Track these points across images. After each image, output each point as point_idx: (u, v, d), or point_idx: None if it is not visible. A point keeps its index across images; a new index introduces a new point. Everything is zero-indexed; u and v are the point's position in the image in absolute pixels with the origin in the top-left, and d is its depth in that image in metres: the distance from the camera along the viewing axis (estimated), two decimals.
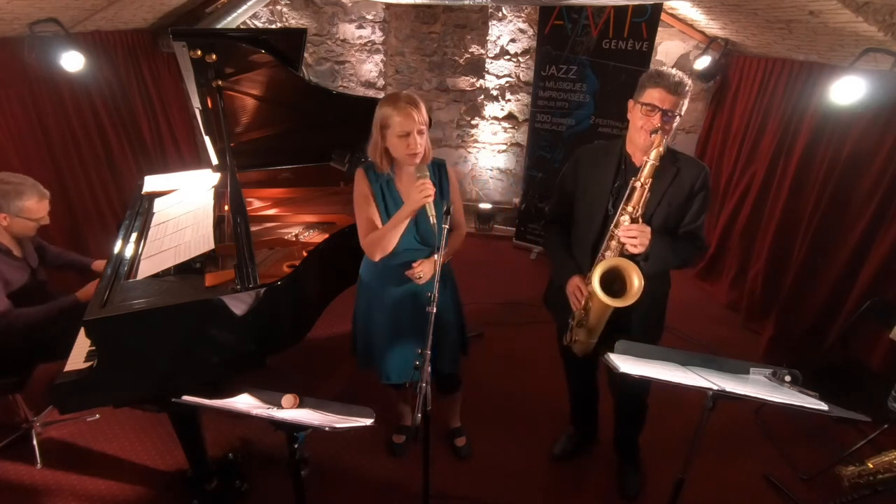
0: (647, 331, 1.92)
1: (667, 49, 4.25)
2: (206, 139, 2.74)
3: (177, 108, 4.10)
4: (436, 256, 1.59)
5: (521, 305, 3.67)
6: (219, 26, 3.80)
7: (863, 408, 1.39)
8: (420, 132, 1.73)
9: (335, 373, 2.96)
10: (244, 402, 1.42)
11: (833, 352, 2.68)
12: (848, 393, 2.38)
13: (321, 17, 4.48)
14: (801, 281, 3.05)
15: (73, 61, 3.00)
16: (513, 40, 4.52)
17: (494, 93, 4.72)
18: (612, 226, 1.72)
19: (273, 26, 4.47)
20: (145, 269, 1.93)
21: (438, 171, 1.90)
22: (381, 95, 4.69)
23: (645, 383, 1.34)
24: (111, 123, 3.63)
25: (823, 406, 1.27)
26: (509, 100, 4.73)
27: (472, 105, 4.80)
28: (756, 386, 1.38)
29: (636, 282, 1.65)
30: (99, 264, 2.48)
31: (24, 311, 2.11)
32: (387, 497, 2.26)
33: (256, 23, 4.48)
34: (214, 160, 2.86)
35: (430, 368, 1.46)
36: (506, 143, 4.90)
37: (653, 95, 1.63)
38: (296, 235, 2.47)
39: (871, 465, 2.04)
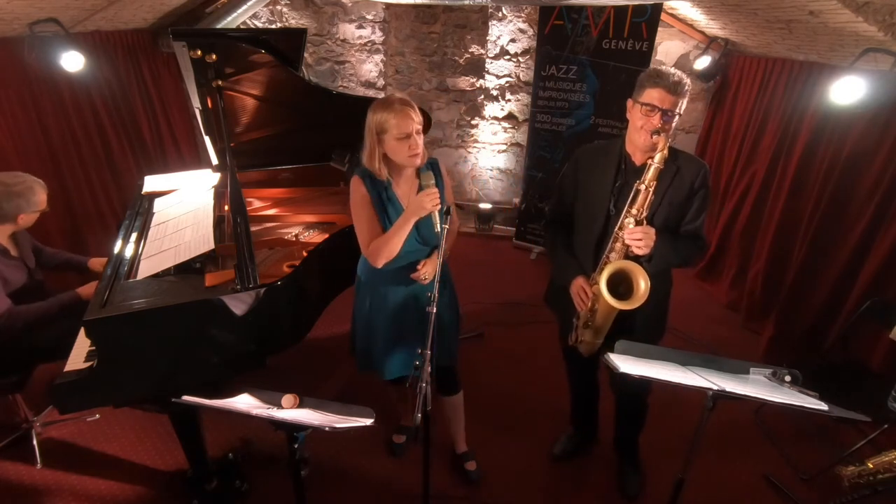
0: (651, 328, 1.93)
1: (667, 49, 4.25)
2: (206, 139, 2.74)
3: (177, 108, 4.10)
4: (436, 257, 1.59)
5: (521, 305, 3.67)
6: (219, 26, 3.80)
7: (863, 408, 1.39)
8: (418, 132, 1.72)
9: (335, 373, 2.96)
10: (244, 402, 1.41)
11: (833, 352, 2.68)
12: (848, 393, 2.38)
13: (321, 17, 4.48)
14: (801, 281, 3.05)
15: (73, 61, 3.00)
16: (513, 40, 4.52)
17: (494, 93, 4.72)
18: (617, 228, 1.73)
19: (273, 26, 4.47)
20: (145, 269, 1.93)
21: (434, 173, 1.89)
22: (381, 96, 4.72)
23: (646, 383, 1.35)
24: (111, 123, 3.63)
25: (823, 406, 1.27)
26: (509, 100, 4.73)
27: (472, 105, 4.80)
28: (756, 386, 1.38)
29: (642, 284, 1.66)
30: (95, 262, 2.47)
31: (23, 307, 2.11)
32: (387, 497, 2.26)
33: (256, 23, 4.48)
34: (214, 160, 2.86)
35: (430, 368, 1.46)
36: (506, 143, 4.90)
37: (652, 95, 1.63)
38: (296, 235, 2.47)
39: (871, 465, 2.05)
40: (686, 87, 1.63)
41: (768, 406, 2.46)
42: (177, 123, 4.11)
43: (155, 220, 2.41)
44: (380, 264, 1.81)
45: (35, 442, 2.35)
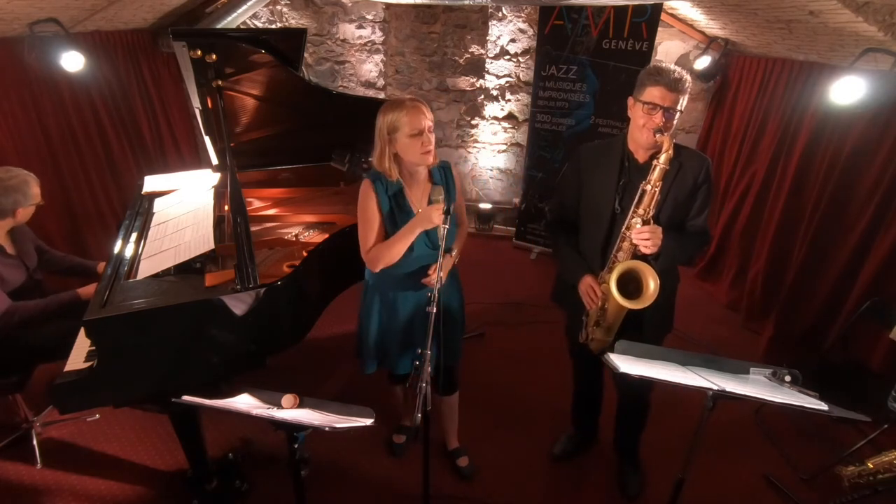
0: (660, 324, 1.94)
1: (667, 49, 4.25)
2: (206, 139, 2.74)
3: (177, 108, 4.10)
4: (446, 259, 1.59)
5: (521, 305, 3.67)
6: (219, 26, 3.80)
7: (863, 408, 1.39)
8: (430, 130, 1.71)
9: (335, 373, 2.96)
10: (244, 402, 1.42)
11: (833, 352, 2.68)
12: (848, 393, 2.38)
13: (321, 17, 4.48)
14: (801, 281, 3.05)
15: (73, 61, 3.00)
16: (513, 40, 4.52)
17: (494, 93, 4.72)
18: (624, 228, 1.73)
19: (273, 26, 4.47)
20: (145, 269, 1.93)
21: (445, 175, 1.89)
22: (381, 95, 4.73)
23: (647, 382, 1.35)
24: (111, 123, 3.63)
25: (823, 406, 1.27)
26: (509, 100, 4.73)
27: (472, 105, 4.79)
28: (756, 386, 1.38)
29: (652, 284, 1.67)
30: (104, 267, 2.46)
31: (21, 303, 2.11)
32: (387, 497, 2.26)
33: (256, 23, 4.48)
34: (214, 160, 2.86)
35: (429, 368, 1.46)
36: (506, 143, 4.90)
37: (653, 94, 1.63)
38: (296, 235, 2.47)
39: (871, 465, 2.05)
40: (687, 84, 1.63)
41: (768, 406, 2.47)
42: (177, 123, 4.11)
43: (155, 220, 2.41)
44: (378, 269, 1.80)
45: (35, 442, 2.35)
